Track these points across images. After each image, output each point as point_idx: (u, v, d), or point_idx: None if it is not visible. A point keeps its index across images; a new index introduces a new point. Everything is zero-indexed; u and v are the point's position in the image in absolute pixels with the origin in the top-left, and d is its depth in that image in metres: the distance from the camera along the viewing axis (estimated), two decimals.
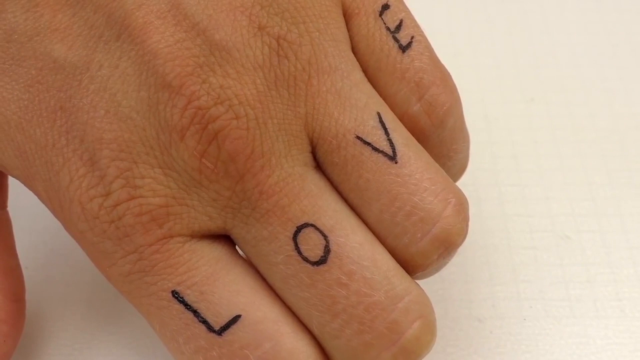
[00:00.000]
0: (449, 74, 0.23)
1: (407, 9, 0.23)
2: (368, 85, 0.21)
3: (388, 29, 0.22)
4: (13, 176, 0.22)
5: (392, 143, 0.20)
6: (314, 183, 0.20)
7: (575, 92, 0.34)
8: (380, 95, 0.21)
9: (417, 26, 0.22)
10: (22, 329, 0.24)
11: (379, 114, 0.20)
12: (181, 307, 0.20)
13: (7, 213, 0.24)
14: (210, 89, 0.19)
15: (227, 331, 0.20)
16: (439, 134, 0.22)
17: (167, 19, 0.19)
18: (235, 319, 0.20)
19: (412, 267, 0.21)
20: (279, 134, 0.20)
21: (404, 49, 0.22)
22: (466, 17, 0.37)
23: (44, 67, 0.20)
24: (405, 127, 0.21)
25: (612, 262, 0.28)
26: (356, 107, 0.20)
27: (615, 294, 0.27)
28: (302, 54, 0.20)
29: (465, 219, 0.21)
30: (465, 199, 0.21)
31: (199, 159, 0.19)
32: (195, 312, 0.20)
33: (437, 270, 0.22)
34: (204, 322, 0.20)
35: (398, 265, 0.20)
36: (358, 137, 0.20)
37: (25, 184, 0.21)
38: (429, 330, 0.20)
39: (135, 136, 0.19)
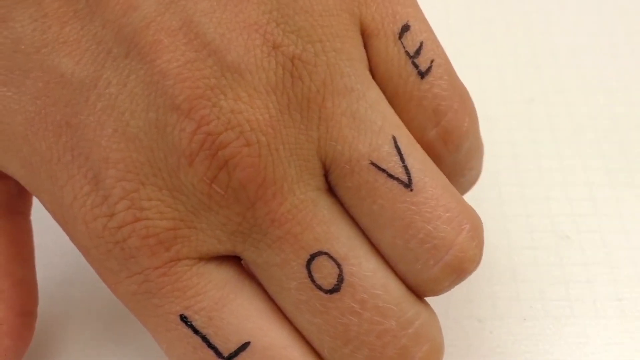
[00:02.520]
0: (467, 95, 0.22)
1: (429, 28, 0.22)
2: (384, 105, 0.20)
3: (407, 53, 0.21)
4: (22, 184, 0.21)
5: (408, 170, 0.20)
6: (327, 208, 0.20)
7: (575, 92, 0.34)
8: None
9: (437, 47, 0.22)
10: (28, 343, 0.24)
11: (394, 137, 0.20)
12: (189, 331, 0.19)
13: (29, 222, 0.24)
14: (220, 114, 0.19)
15: (235, 358, 0.19)
16: (454, 157, 0.22)
17: (177, 37, 0.19)
18: (245, 345, 0.19)
19: (423, 291, 0.21)
20: (290, 160, 0.19)
21: (422, 74, 0.21)
22: (466, 16, 0.37)
23: (51, 80, 0.20)
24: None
25: (612, 262, 0.28)
26: (371, 131, 0.20)
27: (615, 294, 0.27)
28: (317, 74, 0.19)
29: (479, 245, 0.21)
30: (480, 223, 0.21)
31: (209, 185, 0.19)
32: (203, 337, 0.19)
33: (448, 290, 0.21)
34: (213, 347, 0.19)
35: (408, 291, 0.20)
36: (372, 163, 0.20)
37: (32, 193, 0.21)
38: (437, 353, 0.20)
39: (143, 157, 0.19)
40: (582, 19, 0.37)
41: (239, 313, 0.20)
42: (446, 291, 0.21)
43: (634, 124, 0.32)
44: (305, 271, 0.19)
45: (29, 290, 0.24)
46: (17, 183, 0.22)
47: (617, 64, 0.35)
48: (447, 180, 0.21)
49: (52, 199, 0.20)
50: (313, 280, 0.19)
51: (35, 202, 0.23)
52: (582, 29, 0.36)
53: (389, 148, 0.20)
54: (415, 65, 0.21)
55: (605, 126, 0.32)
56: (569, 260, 0.28)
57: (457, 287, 0.22)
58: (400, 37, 0.21)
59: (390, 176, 0.20)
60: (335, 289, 0.19)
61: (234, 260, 0.20)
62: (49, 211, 0.21)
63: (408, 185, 0.20)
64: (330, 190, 0.20)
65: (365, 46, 0.21)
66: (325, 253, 0.19)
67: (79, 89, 0.19)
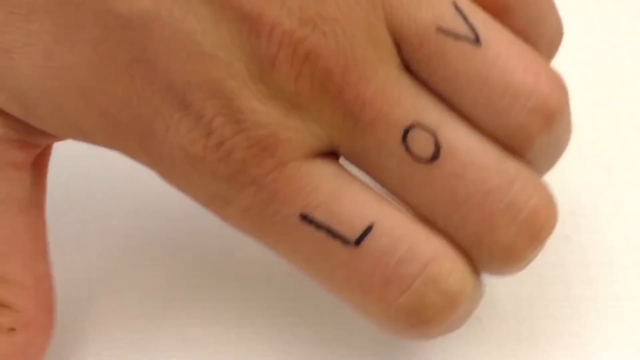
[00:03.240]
0: None
1: None
2: None
3: None
4: (95, 142, 0.21)
5: (473, 27, 0.20)
6: (408, 83, 0.20)
7: (576, 92, 0.34)
8: None
9: None
10: (51, 341, 0.24)
11: (454, 2, 0.20)
12: (312, 228, 0.20)
13: (44, 214, 0.24)
14: (290, 12, 0.19)
15: (363, 241, 0.20)
16: (521, 3, 0.22)
17: None
18: (369, 228, 0.20)
19: (516, 145, 0.21)
20: (367, 43, 0.19)
21: None
22: None
23: (108, 24, 0.19)
24: (487, 5, 0.21)
25: (612, 262, 0.28)
26: (431, 1, 0.20)
27: (615, 294, 0.27)
28: None
29: (564, 89, 0.21)
30: (557, 72, 0.21)
31: (295, 82, 0.19)
32: (328, 230, 0.20)
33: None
34: (339, 237, 0.20)
35: (504, 150, 0.21)
36: (439, 29, 0.20)
37: (110, 146, 0.21)
38: (547, 204, 0.21)
39: (224, 73, 0.19)
40: (582, 19, 0.37)
41: (356, 200, 0.20)
42: (540, 141, 0.21)
43: (634, 124, 0.32)
44: (402, 147, 0.20)
45: (49, 284, 0.24)
46: (31, 174, 0.22)
47: (617, 64, 0.35)
48: (514, 35, 0.21)
49: (141, 139, 0.20)
50: (411, 154, 0.20)
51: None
52: (582, 28, 0.36)
53: (452, 12, 0.20)
54: None
55: (605, 126, 0.32)
56: (569, 260, 0.28)
57: None
58: None
59: (458, 37, 0.20)
60: (434, 157, 0.20)
61: (335, 158, 0.21)
62: (137, 157, 0.21)
63: (477, 41, 0.20)
64: (407, 67, 0.20)
65: None
66: (418, 125, 0.20)
67: (140, 24, 0.19)
